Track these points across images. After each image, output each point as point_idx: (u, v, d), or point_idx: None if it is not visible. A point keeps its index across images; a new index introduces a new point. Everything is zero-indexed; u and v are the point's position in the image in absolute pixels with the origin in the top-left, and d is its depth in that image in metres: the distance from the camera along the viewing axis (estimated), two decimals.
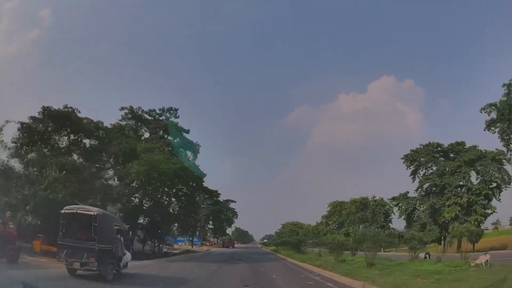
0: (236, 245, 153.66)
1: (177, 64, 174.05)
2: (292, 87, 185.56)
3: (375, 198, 78.65)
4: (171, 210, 42.19)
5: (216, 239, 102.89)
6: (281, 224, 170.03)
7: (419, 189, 56.97)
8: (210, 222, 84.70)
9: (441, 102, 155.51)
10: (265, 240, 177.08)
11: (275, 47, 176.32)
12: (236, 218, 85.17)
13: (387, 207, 77.10)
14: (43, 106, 29.92)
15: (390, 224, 75.08)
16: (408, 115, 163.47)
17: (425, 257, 24.72)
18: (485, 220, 49.33)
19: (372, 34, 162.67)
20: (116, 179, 33.59)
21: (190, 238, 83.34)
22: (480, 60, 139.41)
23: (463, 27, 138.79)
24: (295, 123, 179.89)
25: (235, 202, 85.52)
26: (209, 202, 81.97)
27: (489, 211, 48.66)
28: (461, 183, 50.08)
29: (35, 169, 26.65)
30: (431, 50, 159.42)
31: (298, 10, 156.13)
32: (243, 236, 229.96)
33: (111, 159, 33.44)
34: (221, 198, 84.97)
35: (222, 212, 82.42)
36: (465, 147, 53.20)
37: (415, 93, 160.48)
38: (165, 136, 41.06)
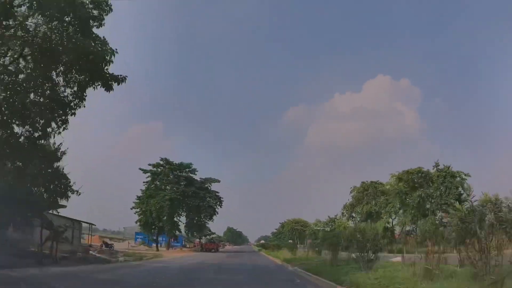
0: (227, 247, 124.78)
1: (175, 63, 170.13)
2: (287, 87, 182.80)
3: (438, 167, 49.96)
4: None
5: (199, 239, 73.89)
6: (280, 223, 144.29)
7: None
8: (183, 213, 55.34)
9: (437, 102, 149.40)
10: (262, 241, 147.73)
11: (269, 47, 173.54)
12: (221, 206, 56.31)
13: (458, 178, 49.17)
14: None
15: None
16: (405, 114, 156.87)
17: None
18: None
19: (367, 32, 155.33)
20: None
21: (154, 237, 54.60)
22: (477, 59, 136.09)
23: (460, 26, 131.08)
24: (290, 123, 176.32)
25: (218, 181, 56.46)
26: (182, 184, 52.84)
27: None
28: None
29: None
30: (427, 49, 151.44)
31: (293, 9, 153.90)
32: (237, 237, 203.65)
33: None
34: (197, 176, 55.88)
35: (199, 197, 53.12)
36: None
37: (411, 92, 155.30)
38: None
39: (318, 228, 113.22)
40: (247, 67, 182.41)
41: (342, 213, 71.74)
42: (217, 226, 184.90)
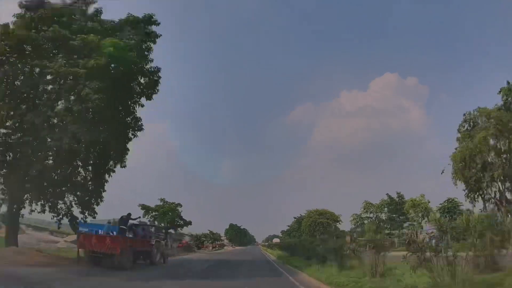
0: (229, 248, 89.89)
1: (179, 62, 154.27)
2: (294, 85, 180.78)
3: None
4: None
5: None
6: (295, 218, 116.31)
7: None
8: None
9: (444, 99, 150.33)
10: (276, 240, 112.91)
11: (275, 45, 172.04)
12: (150, 97, 16.53)
13: None
14: None
15: None
16: (412, 113, 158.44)
17: None
18: None
19: (374, 29, 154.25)
20: None
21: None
22: (484, 57, 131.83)
23: (467, 24, 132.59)
24: (297, 121, 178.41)
25: (152, 21, 17.36)
26: None
27: None
28: None
29: None
30: (434, 47, 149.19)
31: (299, 7, 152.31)
32: (242, 235, 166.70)
33: None
34: None
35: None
36: None
37: (418, 91, 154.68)
38: None
39: (368, 216, 73.66)
40: (254, 66, 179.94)
41: (457, 170, 32.35)
42: (217, 224, 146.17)
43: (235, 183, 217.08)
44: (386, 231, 62.30)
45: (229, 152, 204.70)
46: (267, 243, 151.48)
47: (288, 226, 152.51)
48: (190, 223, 47.12)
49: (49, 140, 16.78)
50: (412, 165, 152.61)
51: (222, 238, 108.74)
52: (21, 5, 18.11)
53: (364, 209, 71.86)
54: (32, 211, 19.56)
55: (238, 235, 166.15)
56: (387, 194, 69.12)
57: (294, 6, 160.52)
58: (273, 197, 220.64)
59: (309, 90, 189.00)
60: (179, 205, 48.27)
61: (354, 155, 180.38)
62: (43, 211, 19.65)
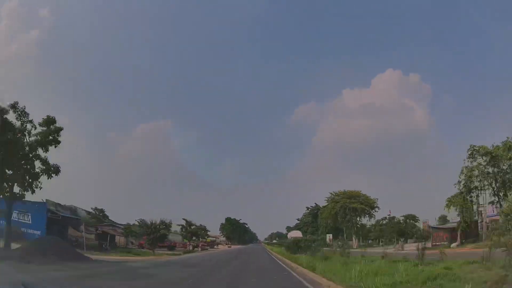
0: (224, 246, 59.69)
1: (178, 61, 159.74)
2: (295, 84, 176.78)
3: None
4: None
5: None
6: (308, 208, 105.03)
7: None
8: None
9: (447, 97, 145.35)
10: (297, 234, 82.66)
11: (276, 43, 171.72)
12: None
13: None
14: None
15: None
16: (414, 110, 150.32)
17: None
18: None
19: (377, 25, 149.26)
20: None
21: None
22: (488, 56, 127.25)
23: (471, 22, 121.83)
24: (299, 120, 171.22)
25: None
26: None
27: None
28: None
29: None
30: (437, 44, 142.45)
31: (299, 4, 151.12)
32: (242, 231, 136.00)
33: None
34: None
35: None
36: None
37: (420, 88, 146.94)
38: None
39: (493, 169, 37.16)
40: (253, 64, 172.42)
41: None
42: (217, 223, 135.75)
43: (236, 182, 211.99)
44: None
45: (230, 151, 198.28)
46: (275, 241, 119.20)
47: (298, 219, 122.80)
48: (55, 170, 16.38)
49: None
50: (416, 165, 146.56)
51: (209, 233, 77.04)
52: None
53: (471, 155, 39.65)
54: None
55: (237, 231, 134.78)
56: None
57: (296, 4, 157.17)
58: (275, 197, 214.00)
59: (311, 89, 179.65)
60: (50, 121, 16.73)
61: (357, 153, 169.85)
62: None
